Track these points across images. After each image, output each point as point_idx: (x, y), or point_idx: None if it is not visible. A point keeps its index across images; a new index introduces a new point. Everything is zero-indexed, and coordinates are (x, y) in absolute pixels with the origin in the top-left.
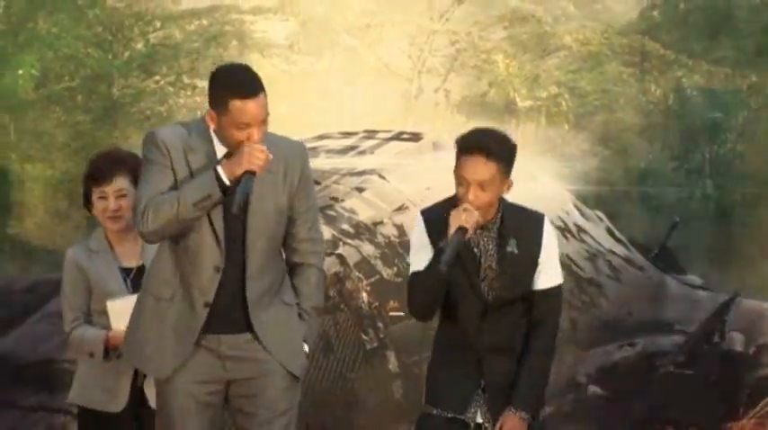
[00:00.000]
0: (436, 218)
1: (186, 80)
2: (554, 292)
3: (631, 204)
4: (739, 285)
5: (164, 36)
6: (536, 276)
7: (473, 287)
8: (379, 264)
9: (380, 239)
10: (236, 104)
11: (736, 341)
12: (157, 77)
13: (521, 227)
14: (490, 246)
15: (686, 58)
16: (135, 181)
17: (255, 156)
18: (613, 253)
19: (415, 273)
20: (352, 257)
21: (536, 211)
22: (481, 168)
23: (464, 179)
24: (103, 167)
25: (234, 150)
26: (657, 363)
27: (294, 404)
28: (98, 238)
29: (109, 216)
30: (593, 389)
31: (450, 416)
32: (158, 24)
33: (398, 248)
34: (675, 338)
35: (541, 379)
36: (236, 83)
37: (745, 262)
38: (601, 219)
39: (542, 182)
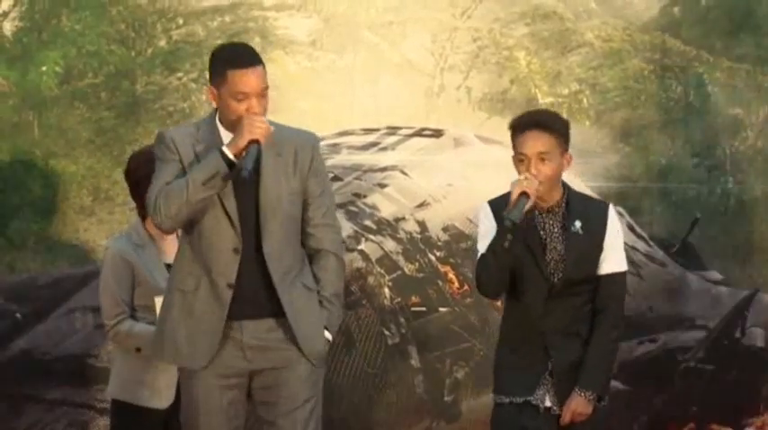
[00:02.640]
0: (502, 204)
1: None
2: (617, 279)
3: (652, 200)
4: (760, 281)
5: (186, 33)
6: (600, 261)
7: (539, 268)
8: (401, 260)
9: (402, 235)
10: (235, 74)
11: (757, 337)
12: (180, 74)
13: (586, 211)
14: (555, 229)
15: (707, 54)
16: None
17: (256, 126)
18: (634, 249)
19: (483, 255)
20: (374, 253)
21: (600, 199)
22: (539, 140)
23: (523, 155)
24: None
25: (236, 125)
26: (678, 359)
27: (317, 392)
28: (139, 232)
29: None
30: (615, 384)
31: (520, 401)
32: (181, 21)
33: (420, 244)
34: (696, 334)
35: (607, 361)
36: (233, 54)
37: (766, 258)
38: (622, 215)
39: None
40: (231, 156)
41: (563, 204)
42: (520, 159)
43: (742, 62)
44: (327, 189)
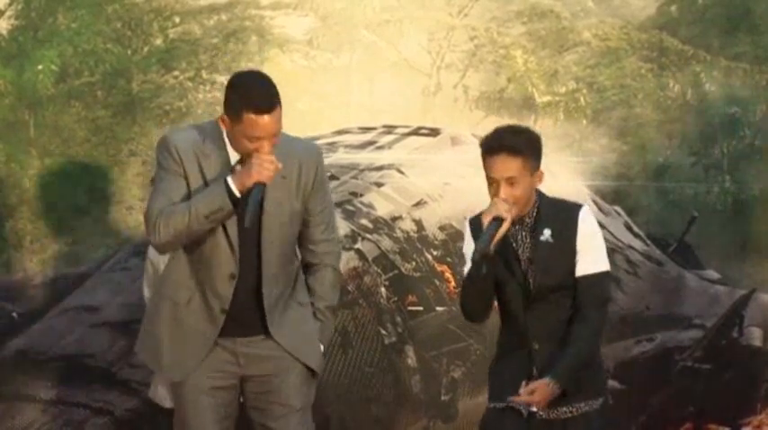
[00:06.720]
0: (478, 222)
1: (205, 75)
2: (593, 280)
3: (649, 199)
4: (757, 280)
5: (183, 31)
6: (576, 264)
7: (515, 278)
8: (397, 259)
9: (399, 234)
10: (250, 118)
11: (755, 336)
12: (176, 73)
13: (556, 217)
14: (527, 239)
15: (704, 53)
16: None
17: (265, 168)
18: (631, 248)
19: (464, 279)
20: (370, 252)
21: (574, 202)
22: (506, 165)
23: (492, 179)
24: None
25: (245, 158)
26: (676, 358)
27: (309, 401)
28: None
29: None
30: (612, 383)
31: (503, 406)
32: (177, 20)
33: (417, 243)
34: (693, 333)
35: (581, 365)
36: (252, 95)
37: (763, 257)
38: (619, 214)
39: (560, 177)
40: (236, 192)
41: (533, 213)
42: (489, 182)
43: (739, 61)
44: (329, 203)
